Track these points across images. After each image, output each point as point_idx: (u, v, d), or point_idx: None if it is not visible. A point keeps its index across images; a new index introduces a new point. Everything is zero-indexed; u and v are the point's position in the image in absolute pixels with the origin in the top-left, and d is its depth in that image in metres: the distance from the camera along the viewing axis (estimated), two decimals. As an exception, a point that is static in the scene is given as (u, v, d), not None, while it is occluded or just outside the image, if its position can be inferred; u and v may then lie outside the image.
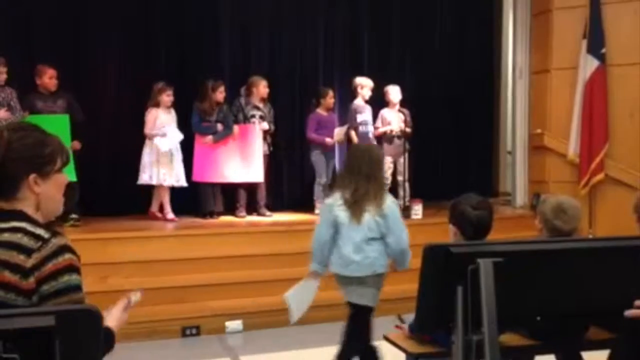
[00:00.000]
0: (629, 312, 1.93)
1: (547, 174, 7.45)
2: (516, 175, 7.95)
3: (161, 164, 6.35)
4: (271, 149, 7.08)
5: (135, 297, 1.83)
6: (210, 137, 6.62)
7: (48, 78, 6.00)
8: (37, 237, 1.60)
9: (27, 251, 1.57)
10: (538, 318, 2.12)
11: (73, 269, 1.61)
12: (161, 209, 6.61)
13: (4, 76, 5.75)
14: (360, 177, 3.43)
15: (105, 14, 6.92)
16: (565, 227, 2.87)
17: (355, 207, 3.41)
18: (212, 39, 7.43)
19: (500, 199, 8.49)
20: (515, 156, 8.00)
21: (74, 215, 6.01)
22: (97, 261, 4.98)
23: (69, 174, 6.30)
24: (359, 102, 7.23)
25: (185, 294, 5.28)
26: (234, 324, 5.06)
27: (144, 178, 6.38)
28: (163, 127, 6.35)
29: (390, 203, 3.49)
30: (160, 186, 6.46)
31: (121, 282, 5.20)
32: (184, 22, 7.29)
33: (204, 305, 5.18)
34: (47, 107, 5.98)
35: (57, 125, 5.72)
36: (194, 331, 4.97)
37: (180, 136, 6.45)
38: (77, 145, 5.94)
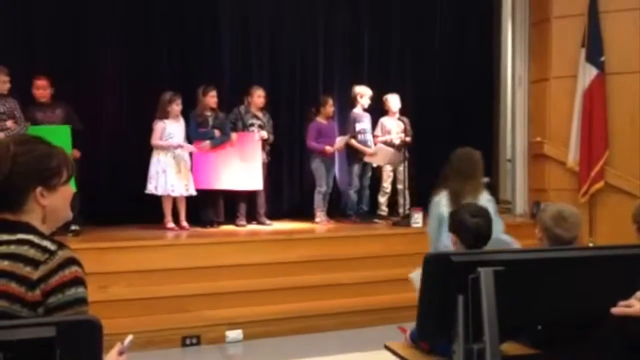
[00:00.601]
0: (616, 310, 1.92)
1: (546, 182, 7.46)
2: (516, 183, 7.96)
3: (168, 174, 6.36)
4: (269, 158, 7.08)
5: (127, 340, 1.84)
6: (207, 142, 6.63)
7: (36, 89, 6.06)
8: (43, 249, 1.60)
9: (34, 263, 1.58)
10: (539, 327, 2.11)
11: (79, 281, 1.62)
12: (175, 218, 6.59)
13: (7, 85, 5.79)
14: (460, 177, 3.94)
15: (105, 21, 6.93)
16: (565, 235, 2.86)
17: (454, 202, 3.86)
18: (212, 47, 7.43)
19: (500, 207, 8.46)
20: (514, 164, 8.01)
21: (74, 227, 6.01)
22: (96, 270, 4.96)
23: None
24: (358, 110, 7.26)
25: (185, 303, 5.26)
26: (234, 334, 5.04)
27: (150, 188, 6.39)
28: (172, 137, 6.37)
29: (483, 199, 3.83)
30: (167, 196, 6.46)
31: (121, 292, 5.20)
32: (185, 32, 7.28)
33: (204, 315, 5.16)
34: (46, 117, 6.04)
35: (59, 135, 5.83)
36: (194, 341, 4.95)
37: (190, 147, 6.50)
38: (77, 154, 5.96)
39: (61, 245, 1.64)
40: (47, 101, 6.11)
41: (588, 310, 2.08)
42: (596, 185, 7.02)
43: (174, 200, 6.55)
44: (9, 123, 5.71)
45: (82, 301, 1.61)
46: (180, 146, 6.39)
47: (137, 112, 6.89)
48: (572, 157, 7.15)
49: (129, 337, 1.86)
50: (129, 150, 6.86)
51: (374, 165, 7.38)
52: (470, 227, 2.88)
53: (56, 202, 1.71)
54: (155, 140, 6.40)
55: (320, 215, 7.15)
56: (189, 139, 6.59)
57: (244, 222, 6.91)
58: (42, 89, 6.07)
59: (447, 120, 8.34)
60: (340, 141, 7.09)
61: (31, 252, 1.59)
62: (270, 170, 7.22)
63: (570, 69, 7.18)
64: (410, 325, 2.94)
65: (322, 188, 7.15)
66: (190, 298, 5.30)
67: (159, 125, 6.40)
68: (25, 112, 5.92)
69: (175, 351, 4.88)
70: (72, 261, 1.62)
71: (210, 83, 6.78)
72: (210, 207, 6.78)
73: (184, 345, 4.92)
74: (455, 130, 8.41)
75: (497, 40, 8.85)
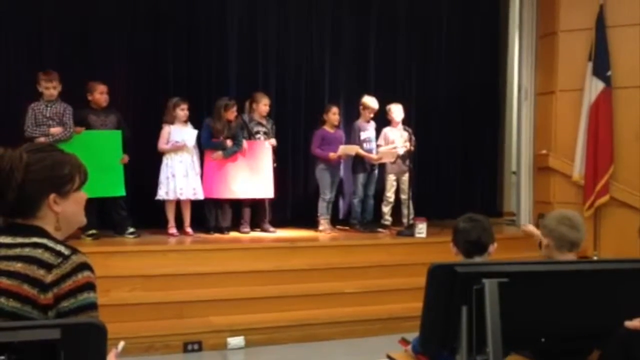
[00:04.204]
0: (631, 323, 1.92)
1: (551, 195, 7.44)
2: (521, 195, 7.95)
3: (177, 178, 6.38)
4: (274, 164, 7.07)
5: (120, 346, 1.86)
6: (219, 153, 6.63)
7: (99, 94, 6.20)
8: (57, 253, 1.63)
9: (48, 266, 1.60)
10: (543, 339, 2.10)
11: (91, 286, 1.65)
12: (180, 224, 6.60)
13: (55, 91, 5.87)
14: None
15: (111, 28, 6.95)
16: (570, 235, 2.84)
17: None
18: (219, 54, 7.44)
19: (505, 219, 8.47)
20: (520, 176, 8.00)
21: (93, 231, 6.10)
22: (99, 275, 4.87)
23: (118, 188, 6.35)
24: (362, 120, 7.27)
25: (187, 309, 5.26)
26: (236, 340, 5.04)
27: (161, 194, 6.41)
28: (176, 141, 6.40)
29: None
30: (170, 202, 6.48)
31: (124, 296, 5.20)
32: (192, 39, 7.31)
33: (206, 321, 5.16)
34: (99, 121, 6.19)
35: (110, 140, 6.12)
36: (195, 347, 4.94)
37: (193, 132, 6.49)
38: (126, 159, 6.18)
39: (75, 250, 1.66)
40: (102, 106, 6.24)
41: (592, 323, 2.07)
42: (601, 199, 7.00)
43: (179, 206, 6.56)
44: (54, 129, 5.79)
45: (93, 306, 1.64)
46: (184, 145, 6.40)
47: (142, 118, 6.90)
48: (578, 170, 7.14)
49: (122, 343, 1.87)
50: (133, 155, 6.86)
51: (378, 162, 7.35)
52: (460, 231, 2.91)
53: (69, 208, 1.74)
54: (161, 145, 6.44)
55: (324, 223, 7.14)
56: (201, 147, 6.61)
57: (247, 229, 6.91)
58: (104, 94, 6.23)
59: (452, 132, 8.35)
60: (344, 149, 7.07)
61: (45, 256, 1.62)
62: (275, 177, 7.22)
63: (576, 82, 7.18)
64: (413, 336, 2.94)
65: (326, 195, 7.14)
66: (193, 304, 5.30)
67: (165, 130, 6.43)
68: (78, 115, 6.03)
69: (177, 357, 4.87)
70: (85, 266, 1.65)
71: (222, 90, 6.83)
72: (216, 213, 6.78)
73: (185, 351, 4.92)
74: (461, 141, 8.44)
75: (503, 52, 8.88)
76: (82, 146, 5.78)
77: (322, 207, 7.17)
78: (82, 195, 1.79)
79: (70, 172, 1.74)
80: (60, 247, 1.65)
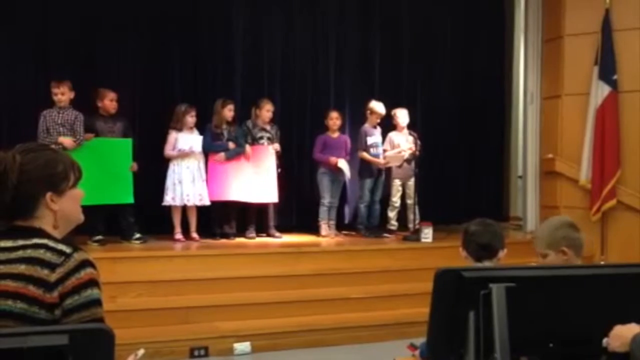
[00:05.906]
0: (606, 340, 1.92)
1: (558, 199, 7.42)
2: (527, 200, 7.92)
3: (184, 184, 6.40)
4: (279, 170, 7.07)
5: (140, 353, 1.86)
6: (221, 155, 6.66)
7: (109, 100, 6.24)
8: (59, 252, 1.64)
9: (51, 266, 1.62)
10: (551, 344, 2.10)
11: (94, 283, 1.66)
12: (186, 230, 6.62)
13: (64, 98, 5.91)
14: None
15: (118, 35, 6.98)
16: (582, 237, 2.80)
17: None
18: (224, 60, 7.46)
19: (511, 224, 8.45)
20: (526, 181, 7.98)
21: (99, 237, 6.12)
22: (105, 280, 4.87)
23: (127, 196, 6.34)
24: (368, 125, 7.27)
25: (193, 314, 5.26)
26: (243, 346, 5.03)
27: (167, 200, 6.43)
28: (182, 148, 6.43)
29: None
30: (177, 207, 6.49)
31: (130, 302, 5.21)
32: (197, 46, 7.33)
33: (213, 326, 5.16)
34: (107, 128, 6.22)
35: (121, 148, 6.13)
36: (202, 352, 4.94)
37: (198, 138, 6.52)
38: (135, 167, 6.20)
39: (76, 248, 1.68)
40: (111, 113, 6.27)
41: (600, 328, 2.06)
42: (608, 204, 6.97)
43: (185, 212, 6.57)
44: (66, 140, 5.79)
45: (97, 302, 1.65)
46: (192, 151, 6.44)
47: (148, 125, 6.92)
48: (584, 174, 7.11)
49: (141, 351, 1.87)
50: (138, 161, 6.89)
51: (385, 167, 7.34)
52: (472, 234, 2.91)
53: (67, 206, 1.76)
54: (167, 151, 6.46)
55: (325, 228, 7.14)
56: (204, 150, 6.63)
57: (253, 235, 6.92)
58: (114, 101, 6.27)
59: (458, 136, 8.34)
60: (344, 163, 7.08)
61: (47, 255, 1.63)
62: (280, 183, 7.22)
63: (582, 86, 7.17)
64: (421, 342, 2.93)
65: (325, 200, 7.14)
66: (199, 309, 5.31)
67: (172, 136, 6.46)
68: (88, 121, 6.05)
69: (183, 362, 4.88)
70: (87, 263, 1.66)
71: (228, 96, 6.88)
72: (222, 219, 6.79)
73: (192, 356, 4.92)
74: (467, 146, 8.42)
75: (509, 57, 8.86)
76: (92, 153, 5.82)
77: (323, 212, 7.17)
78: (78, 192, 1.80)
79: (64, 170, 1.75)
80: (61, 246, 1.66)
